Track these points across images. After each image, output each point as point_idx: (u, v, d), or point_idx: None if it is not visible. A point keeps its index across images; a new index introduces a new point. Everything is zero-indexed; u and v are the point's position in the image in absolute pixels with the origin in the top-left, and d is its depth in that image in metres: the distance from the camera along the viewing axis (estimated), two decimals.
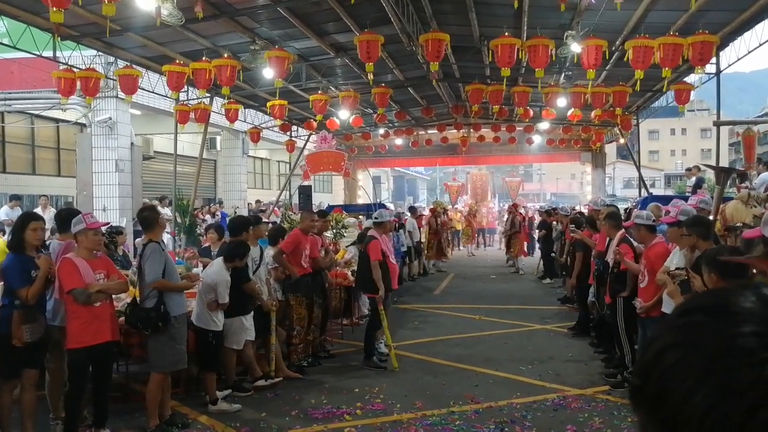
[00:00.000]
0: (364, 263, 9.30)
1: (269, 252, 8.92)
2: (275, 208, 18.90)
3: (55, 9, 7.08)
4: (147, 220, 6.98)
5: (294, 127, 22.37)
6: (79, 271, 5.89)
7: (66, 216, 6.52)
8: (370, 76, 12.12)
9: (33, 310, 5.89)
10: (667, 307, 6.45)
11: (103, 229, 7.53)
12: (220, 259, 7.64)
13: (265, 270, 8.53)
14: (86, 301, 5.88)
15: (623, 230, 8.30)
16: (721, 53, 13.14)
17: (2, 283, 6.21)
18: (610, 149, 42.50)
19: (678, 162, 78.75)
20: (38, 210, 15.99)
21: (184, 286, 6.95)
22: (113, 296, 6.52)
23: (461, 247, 28.45)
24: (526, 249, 22.09)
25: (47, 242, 6.90)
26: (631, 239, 8.06)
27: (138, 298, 6.60)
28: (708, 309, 0.78)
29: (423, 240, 19.89)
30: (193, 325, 7.27)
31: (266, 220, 12.85)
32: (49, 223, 13.71)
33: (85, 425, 6.41)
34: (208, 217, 20.97)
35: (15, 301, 5.83)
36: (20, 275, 5.89)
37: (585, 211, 15.96)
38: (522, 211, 22.59)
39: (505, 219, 24.05)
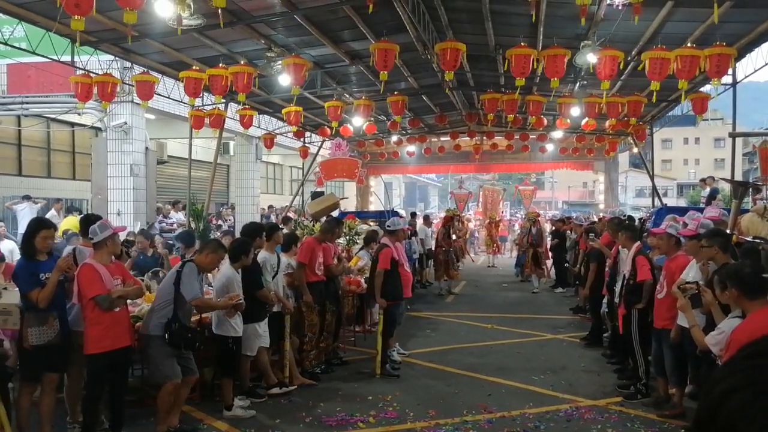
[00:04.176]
0: (375, 270, 9.32)
1: (283, 258, 8.95)
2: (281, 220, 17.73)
3: (77, 17, 7.14)
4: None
5: (307, 134, 22.41)
6: (101, 277, 5.95)
7: (95, 221, 6.45)
8: (383, 85, 12.17)
9: (44, 314, 5.92)
10: (682, 320, 6.44)
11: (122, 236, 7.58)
12: (227, 262, 7.70)
13: (282, 276, 8.59)
14: (109, 307, 5.94)
15: (639, 242, 8.30)
16: (737, 64, 13.09)
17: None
18: (623, 158, 42.43)
19: (691, 171, 78.50)
20: (52, 213, 16.12)
21: (223, 305, 6.98)
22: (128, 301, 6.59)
23: (474, 254, 28.23)
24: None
25: (78, 248, 6.90)
26: (647, 252, 8.07)
27: (177, 316, 6.58)
28: None
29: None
30: (212, 333, 7.33)
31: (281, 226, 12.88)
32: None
33: (102, 429, 6.46)
34: (220, 222, 21.07)
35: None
36: (29, 278, 5.95)
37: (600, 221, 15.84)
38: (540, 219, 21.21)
39: (516, 229, 22.87)
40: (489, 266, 25.24)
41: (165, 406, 6.50)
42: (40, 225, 6.35)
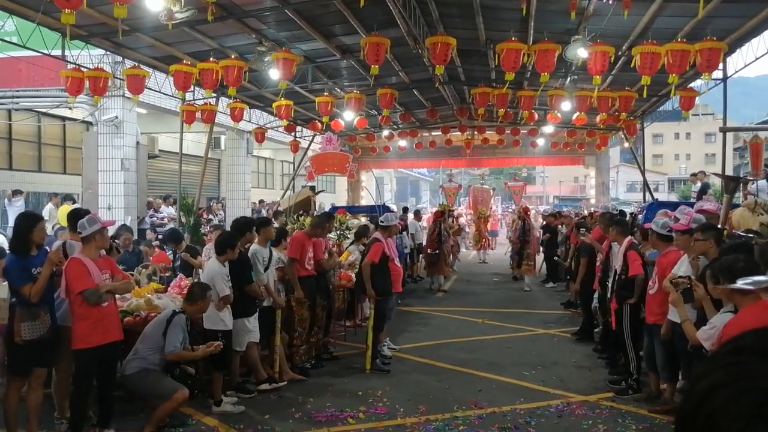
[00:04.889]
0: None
1: (274, 253, 8.93)
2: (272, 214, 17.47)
3: (67, 11, 7.10)
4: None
5: (298, 128, 22.37)
6: (89, 271, 5.92)
7: (84, 216, 6.37)
8: (373, 79, 12.17)
9: (36, 309, 5.89)
10: (673, 315, 6.45)
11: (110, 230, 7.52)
12: (214, 256, 7.72)
13: (273, 270, 8.57)
14: (97, 302, 5.91)
15: (630, 237, 8.31)
16: (728, 59, 13.12)
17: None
18: (614, 152, 42.58)
19: (682, 166, 78.81)
20: (50, 207, 16.12)
21: (202, 354, 6.94)
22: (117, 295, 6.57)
23: (465, 249, 28.14)
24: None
25: (68, 242, 6.85)
26: (638, 246, 8.08)
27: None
28: (756, 350, 0.80)
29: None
30: (201, 328, 7.31)
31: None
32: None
33: (90, 425, 6.42)
34: (211, 216, 21.02)
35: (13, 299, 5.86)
36: (21, 273, 5.90)
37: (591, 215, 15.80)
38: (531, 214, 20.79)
39: (511, 224, 22.48)
40: (480, 262, 24.89)
41: (165, 414, 6.49)
42: (35, 218, 6.34)
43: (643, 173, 21.37)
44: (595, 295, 10.15)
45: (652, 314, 7.25)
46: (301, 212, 14.58)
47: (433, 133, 26.08)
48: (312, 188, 17.29)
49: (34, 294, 5.82)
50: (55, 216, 15.07)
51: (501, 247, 28.36)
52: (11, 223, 15.58)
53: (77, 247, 6.35)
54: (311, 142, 22.96)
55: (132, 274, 8.31)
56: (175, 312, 6.77)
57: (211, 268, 7.47)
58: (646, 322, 7.46)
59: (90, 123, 18.47)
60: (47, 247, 6.67)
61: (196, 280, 9.53)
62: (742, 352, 0.83)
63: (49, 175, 21.17)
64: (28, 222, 6.22)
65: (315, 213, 14.89)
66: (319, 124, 19.92)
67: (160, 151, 23.20)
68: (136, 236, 14.89)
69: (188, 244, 11.57)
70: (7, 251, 6.36)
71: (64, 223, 9.76)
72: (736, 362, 0.82)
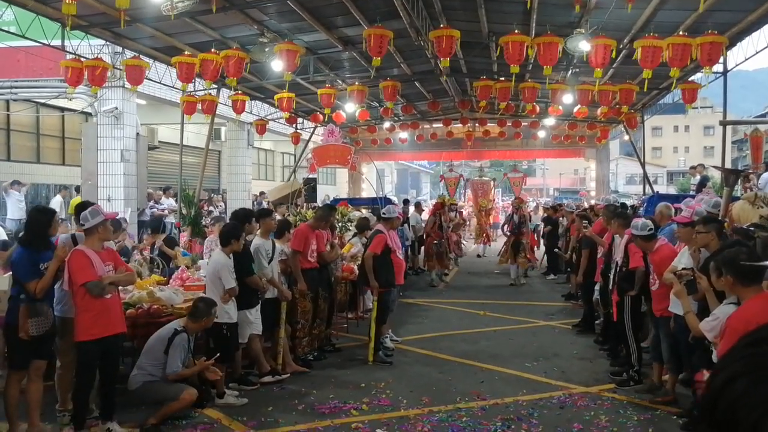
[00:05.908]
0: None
1: (277, 245, 8.91)
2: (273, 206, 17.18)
3: (68, 1, 7.07)
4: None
5: (299, 120, 22.33)
6: (92, 263, 5.90)
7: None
8: (374, 71, 12.14)
9: (41, 304, 5.88)
10: (675, 307, 6.46)
11: None
12: (218, 248, 7.70)
13: (277, 263, 8.56)
14: (100, 294, 5.89)
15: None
16: (728, 52, 13.10)
17: (11, 273, 6.17)
18: (613, 145, 42.53)
19: (681, 159, 78.83)
20: (57, 199, 16.11)
21: (199, 368, 6.94)
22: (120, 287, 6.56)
23: (465, 241, 28.07)
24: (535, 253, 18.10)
25: (77, 234, 6.82)
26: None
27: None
28: None
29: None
30: None
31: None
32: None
33: (92, 417, 6.42)
34: (212, 208, 21.00)
35: (21, 294, 5.84)
36: (29, 268, 5.88)
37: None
38: (530, 206, 20.34)
39: (506, 216, 21.95)
40: (478, 256, 24.55)
41: (171, 412, 6.52)
42: (50, 212, 6.36)
43: (643, 166, 21.37)
44: (597, 287, 10.16)
45: (659, 308, 7.26)
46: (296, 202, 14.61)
47: (435, 125, 26.06)
48: (306, 180, 17.30)
49: (40, 290, 5.80)
50: (64, 209, 15.07)
51: (501, 239, 28.27)
52: (9, 215, 15.58)
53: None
54: (312, 133, 22.92)
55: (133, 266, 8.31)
56: (177, 331, 6.76)
57: (217, 260, 7.46)
58: (654, 315, 7.47)
59: (89, 114, 18.40)
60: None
61: (173, 269, 9.51)
62: (760, 343, 0.83)
63: (48, 167, 21.09)
64: (45, 216, 6.22)
65: (304, 202, 14.92)
66: (321, 116, 19.87)
67: (160, 142, 23.06)
68: (136, 229, 14.94)
69: (168, 236, 11.58)
70: (18, 244, 6.33)
71: None
72: (754, 353, 0.82)
